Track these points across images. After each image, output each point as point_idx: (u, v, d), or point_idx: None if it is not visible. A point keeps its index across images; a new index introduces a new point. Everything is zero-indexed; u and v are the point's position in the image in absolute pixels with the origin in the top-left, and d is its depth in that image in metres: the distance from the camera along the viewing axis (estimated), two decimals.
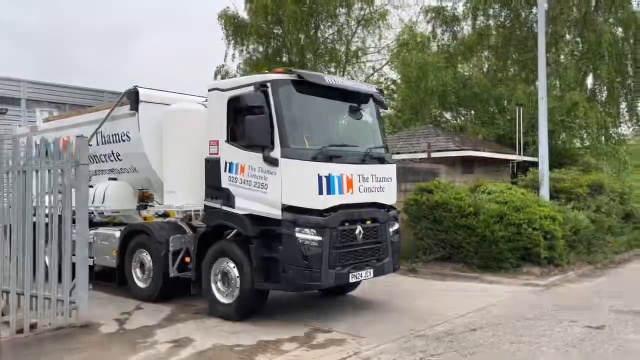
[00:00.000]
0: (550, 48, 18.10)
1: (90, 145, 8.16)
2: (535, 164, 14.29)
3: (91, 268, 7.24)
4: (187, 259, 7.64)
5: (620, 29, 18.77)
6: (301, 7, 21.27)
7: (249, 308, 6.91)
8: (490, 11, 21.53)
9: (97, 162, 8.98)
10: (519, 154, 17.10)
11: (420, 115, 20.68)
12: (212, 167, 7.12)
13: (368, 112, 7.66)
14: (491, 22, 21.67)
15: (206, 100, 7.44)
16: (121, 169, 8.84)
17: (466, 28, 22.17)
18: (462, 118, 22.53)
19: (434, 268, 10.55)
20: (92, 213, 8.46)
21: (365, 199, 7.01)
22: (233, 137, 6.94)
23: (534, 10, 18.98)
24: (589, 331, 6.45)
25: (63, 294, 6.56)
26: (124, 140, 8.56)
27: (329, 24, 22.96)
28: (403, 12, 29.79)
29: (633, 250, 13.71)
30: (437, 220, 10.71)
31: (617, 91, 19.23)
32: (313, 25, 22.53)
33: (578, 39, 19.77)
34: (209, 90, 7.32)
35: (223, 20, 22.91)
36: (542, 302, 8.10)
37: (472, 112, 21.96)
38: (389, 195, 7.43)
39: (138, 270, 8.18)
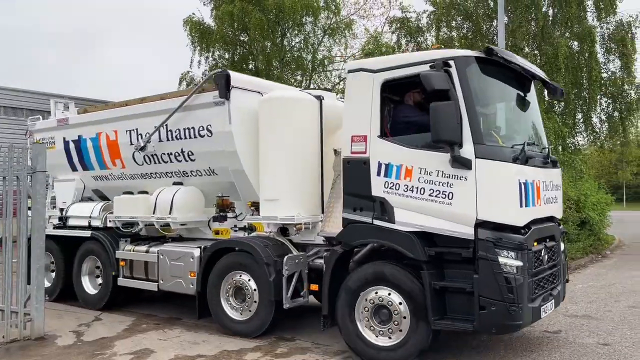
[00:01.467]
0: None
1: (147, 143, 7.50)
2: None
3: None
4: (314, 287, 6.30)
5: (576, 43, 19.84)
6: (267, 15, 21.52)
7: (419, 353, 5.44)
8: (453, 23, 22.67)
9: (155, 163, 7.83)
10: None
11: None
12: (356, 170, 5.75)
13: (535, 102, 6.49)
14: (454, 34, 22.65)
15: (304, 89, 6.69)
16: (192, 171, 7.54)
17: (430, 39, 22.88)
18: None
19: None
20: (151, 225, 7.63)
21: (546, 211, 5.84)
22: (392, 131, 5.66)
23: (494, 23, 19.62)
24: (547, 335, 6.67)
25: (17, 305, 6.36)
26: (201, 136, 7.19)
27: (296, 32, 23.35)
28: (369, 22, 30.43)
29: (589, 256, 14.28)
30: None
31: (574, 102, 20.30)
32: (279, 33, 22.86)
33: (537, 52, 20.64)
34: (351, 71, 5.99)
35: (188, 27, 22.93)
36: None
37: None
38: (560, 206, 6.32)
39: (232, 299, 6.82)
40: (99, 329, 7.03)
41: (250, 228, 7.21)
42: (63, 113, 9.69)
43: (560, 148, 20.17)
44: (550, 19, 20.33)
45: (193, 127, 7.24)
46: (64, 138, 9.00)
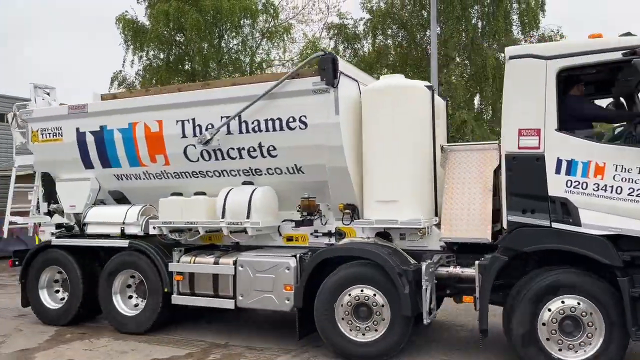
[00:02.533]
0: (442, 69, 19.87)
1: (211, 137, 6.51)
2: None
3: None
4: (469, 299, 5.62)
5: (502, 55, 20.74)
6: (204, 16, 21.03)
7: None
8: (389, 31, 23.37)
9: (217, 159, 6.80)
10: None
11: None
12: (526, 167, 5.25)
13: None
14: (390, 42, 23.30)
15: None
16: (269, 169, 6.60)
17: (367, 46, 23.37)
18: None
19: None
20: (218, 231, 6.66)
21: None
22: (575, 125, 5.22)
23: (428, 32, 20.50)
24: None
25: None
26: (291, 128, 6.30)
27: (234, 34, 22.90)
28: (307, 27, 30.41)
29: None
30: None
31: (501, 111, 21.50)
32: (217, 34, 22.36)
33: (467, 62, 22.02)
34: (513, 57, 5.45)
35: (121, 25, 21.87)
36: None
37: None
38: None
39: (352, 318, 5.88)
40: (19, 340, 6.73)
41: (339, 233, 6.49)
42: (44, 100, 8.36)
43: None
44: (480, 31, 21.67)
45: (279, 118, 6.34)
46: (78, 129, 7.52)
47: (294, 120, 6.27)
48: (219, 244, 7.13)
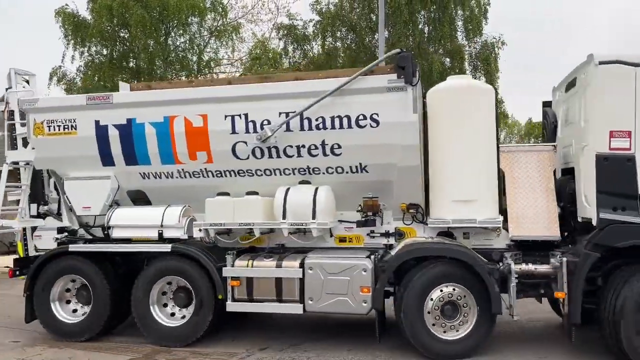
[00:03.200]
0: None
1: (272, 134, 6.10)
2: None
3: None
4: (560, 294, 5.63)
5: (448, 60, 22.04)
6: (150, 12, 20.29)
7: None
8: (338, 34, 23.44)
9: (274, 157, 6.35)
10: None
11: None
12: (617, 167, 5.47)
13: None
14: (339, 44, 23.43)
15: None
16: (329, 168, 6.29)
17: (316, 48, 23.31)
18: None
19: None
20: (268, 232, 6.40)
21: None
22: None
23: (376, 36, 20.82)
24: None
25: None
26: (360, 126, 6.05)
27: (181, 32, 22.25)
28: (257, 26, 29.68)
29: None
30: None
31: None
32: (163, 31, 21.62)
33: None
34: (603, 62, 5.53)
35: (61, 18, 20.71)
36: None
37: None
38: None
39: (441, 315, 5.81)
40: None
41: (399, 233, 6.40)
42: (24, 88, 7.45)
43: None
44: (426, 35, 22.20)
45: (347, 116, 6.08)
46: (98, 121, 6.67)
47: (365, 118, 6.05)
48: (258, 246, 6.66)
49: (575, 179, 6.09)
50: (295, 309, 6.09)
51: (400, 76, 5.91)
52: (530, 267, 5.98)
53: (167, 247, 6.30)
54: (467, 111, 6.01)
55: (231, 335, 6.72)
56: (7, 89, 7.36)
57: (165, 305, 6.53)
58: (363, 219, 6.36)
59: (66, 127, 6.77)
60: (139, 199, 7.03)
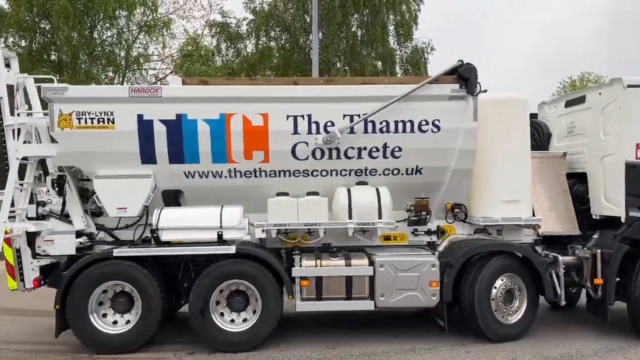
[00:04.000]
0: (324, 73, 20.37)
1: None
2: None
3: None
4: (599, 281, 6.50)
5: (380, 63, 22.68)
6: (74, 3, 19.19)
7: None
8: (272, 33, 23.36)
9: (334, 158, 6.42)
10: None
11: None
12: None
13: None
14: (273, 44, 23.37)
15: None
16: (386, 169, 6.53)
17: (250, 46, 23.04)
18: None
19: None
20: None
21: None
22: None
23: (311, 37, 21.02)
24: None
25: None
26: (422, 131, 6.38)
27: (107, 25, 21.24)
28: (188, 23, 28.29)
29: None
30: None
31: None
32: (88, 24, 20.52)
33: (347, 68, 22.76)
34: (632, 86, 6.49)
35: None
36: None
37: None
38: None
39: (501, 302, 6.45)
40: None
41: (441, 231, 6.87)
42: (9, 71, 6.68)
43: None
44: (359, 38, 22.60)
45: (410, 121, 6.38)
46: (141, 116, 6.15)
47: (427, 123, 6.41)
48: (301, 246, 6.57)
49: (589, 182, 7.04)
50: (366, 305, 6.24)
51: (462, 86, 6.36)
52: (571, 259, 6.76)
53: (231, 249, 6.01)
54: (512, 120, 6.72)
55: (159, 340, 6.44)
56: (23, 76, 6.54)
57: (222, 313, 6.23)
58: (415, 218, 6.69)
59: (101, 120, 6.12)
60: (171, 200, 6.61)
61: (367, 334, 6.82)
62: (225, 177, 6.44)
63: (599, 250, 6.55)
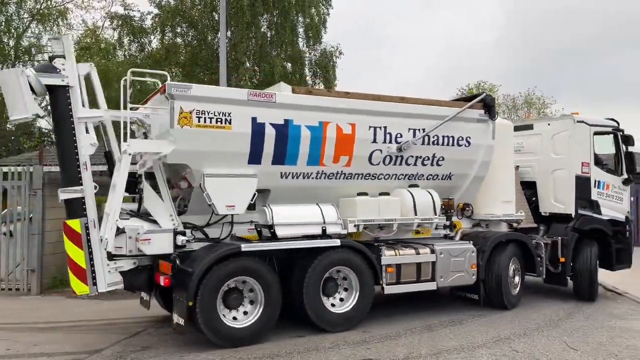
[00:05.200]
0: (233, 72, 20.27)
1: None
2: None
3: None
4: (563, 259, 9.13)
5: (289, 64, 22.96)
6: None
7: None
8: (178, 29, 22.76)
9: (395, 164, 7.89)
10: None
11: None
12: (583, 183, 9.40)
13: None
14: (179, 40, 22.76)
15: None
16: (430, 174, 8.27)
17: (155, 42, 22.46)
18: None
19: None
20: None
21: None
22: (597, 162, 9.58)
23: (219, 35, 20.93)
24: None
25: None
26: (459, 145, 8.25)
27: None
28: (87, 13, 25.13)
29: None
30: None
31: None
32: None
33: (257, 68, 22.77)
34: (579, 121, 9.43)
35: None
36: None
37: None
38: None
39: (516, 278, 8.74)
40: None
41: (453, 226, 8.65)
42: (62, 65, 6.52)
43: None
44: (269, 39, 22.67)
45: (452, 137, 8.23)
46: (255, 118, 6.78)
47: (462, 139, 8.31)
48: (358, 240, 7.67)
49: (538, 189, 9.80)
50: (430, 286, 7.83)
51: (486, 112, 8.47)
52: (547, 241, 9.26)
53: (337, 242, 7.02)
54: (505, 139, 9.04)
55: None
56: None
57: (329, 295, 7.19)
58: (444, 214, 8.38)
59: (219, 120, 6.56)
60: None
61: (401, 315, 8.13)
62: (313, 178, 7.36)
63: (560, 238, 9.28)
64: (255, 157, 6.88)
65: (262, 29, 22.45)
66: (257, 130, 6.80)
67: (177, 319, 6.42)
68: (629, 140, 9.81)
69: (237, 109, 6.68)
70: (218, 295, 6.39)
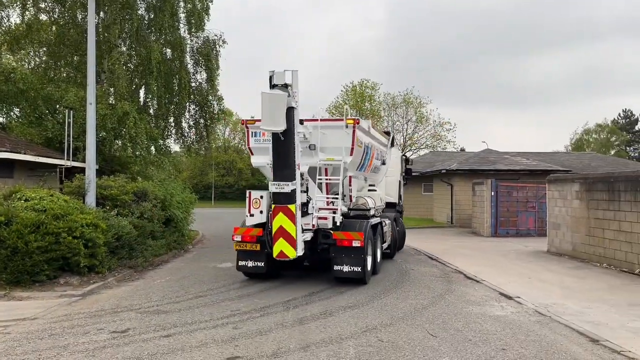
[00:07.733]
0: (105, 55, 18.92)
1: None
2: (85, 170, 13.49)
3: None
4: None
5: (169, 51, 21.41)
6: None
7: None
8: (43, 4, 20.39)
9: None
10: (68, 159, 16.39)
11: None
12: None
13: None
14: (44, 17, 20.51)
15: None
16: None
17: (15, 17, 20.03)
18: (5, 116, 20.47)
19: None
20: None
21: None
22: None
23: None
24: (114, 336, 6.79)
25: None
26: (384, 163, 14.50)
27: None
28: None
29: (172, 251, 15.02)
30: None
31: (167, 106, 21.69)
32: None
33: (132, 52, 21.05)
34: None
35: None
36: (74, 312, 8.06)
37: (17, 110, 20.36)
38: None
39: None
40: None
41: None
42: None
43: (153, 149, 21.03)
44: (146, 22, 20.91)
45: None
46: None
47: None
48: None
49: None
50: None
51: (390, 141, 14.53)
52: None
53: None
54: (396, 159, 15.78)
55: None
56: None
57: None
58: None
59: None
60: None
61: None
62: None
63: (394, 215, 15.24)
64: None
65: (140, 11, 20.60)
66: None
67: None
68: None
69: None
70: None
